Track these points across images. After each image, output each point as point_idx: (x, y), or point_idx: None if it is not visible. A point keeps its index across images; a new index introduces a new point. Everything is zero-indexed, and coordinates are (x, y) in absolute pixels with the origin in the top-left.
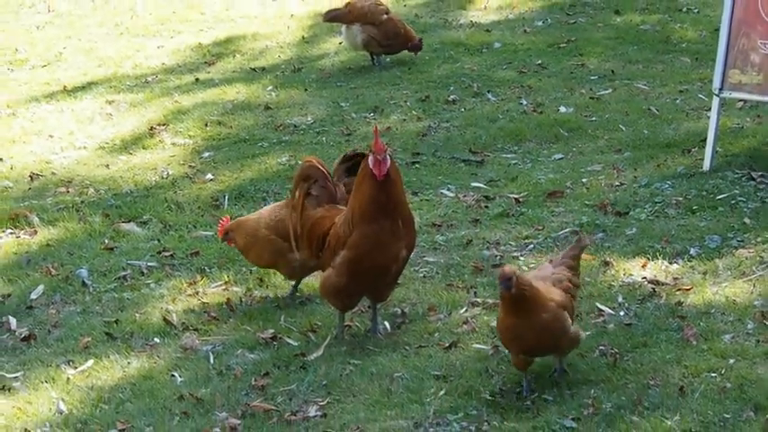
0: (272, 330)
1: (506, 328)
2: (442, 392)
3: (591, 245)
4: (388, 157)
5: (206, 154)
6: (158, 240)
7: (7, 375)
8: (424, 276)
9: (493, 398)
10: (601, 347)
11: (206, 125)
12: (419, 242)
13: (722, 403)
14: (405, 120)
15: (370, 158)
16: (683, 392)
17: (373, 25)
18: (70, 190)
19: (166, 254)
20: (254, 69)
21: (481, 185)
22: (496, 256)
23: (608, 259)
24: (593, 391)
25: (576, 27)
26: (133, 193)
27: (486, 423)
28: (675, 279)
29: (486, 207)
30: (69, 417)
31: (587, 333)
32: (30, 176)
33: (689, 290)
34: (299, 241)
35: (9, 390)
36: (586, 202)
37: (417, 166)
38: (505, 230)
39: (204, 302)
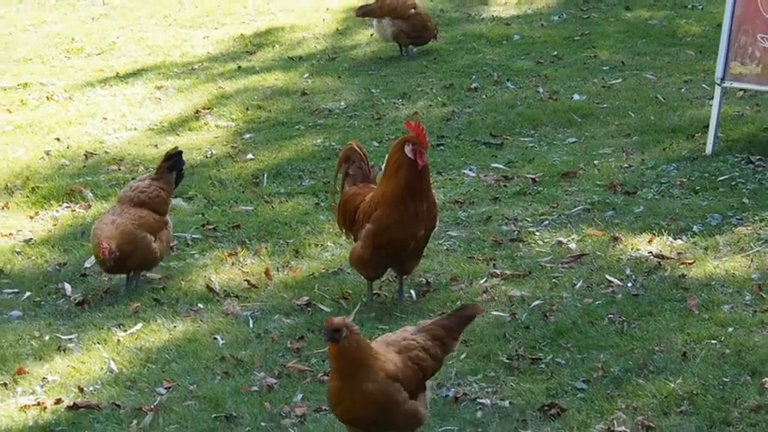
0: (306, 297)
1: (330, 390)
2: (463, 356)
3: (482, 314)
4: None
5: (247, 135)
6: (202, 214)
7: (62, 337)
8: (447, 249)
9: (510, 361)
10: (610, 316)
11: (247, 109)
12: (443, 218)
13: (721, 368)
14: (431, 105)
15: (409, 148)
16: (686, 358)
17: (402, 19)
18: (122, 168)
19: (210, 227)
20: (291, 58)
21: (500, 166)
22: (514, 231)
23: (617, 235)
24: (602, 355)
25: (590, 21)
26: None
27: (503, 384)
28: (679, 254)
29: (505, 186)
30: (119, 375)
31: (597, 302)
32: (84, 155)
33: (692, 264)
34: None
35: (64, 350)
36: (597, 183)
37: (442, 148)
38: (523, 208)
39: (244, 271)
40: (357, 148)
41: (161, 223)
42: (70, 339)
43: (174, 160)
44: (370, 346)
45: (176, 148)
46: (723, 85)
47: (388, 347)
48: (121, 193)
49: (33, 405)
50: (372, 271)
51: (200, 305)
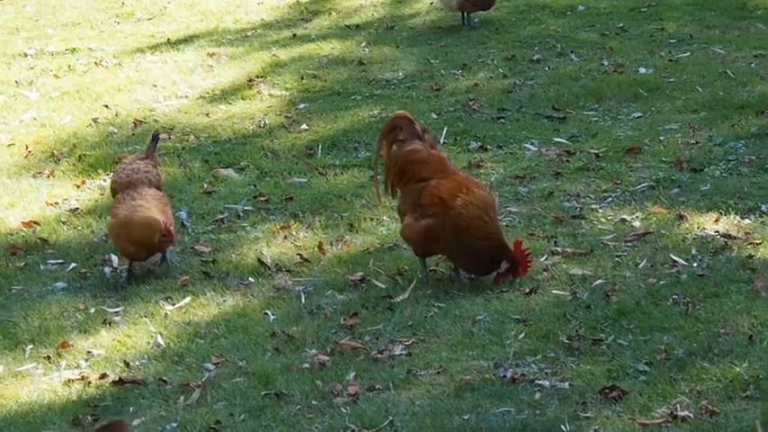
0: (360, 273)
1: None
2: (521, 335)
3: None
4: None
5: (301, 105)
6: (254, 186)
7: (108, 310)
8: (507, 225)
9: (570, 341)
10: (674, 296)
11: (302, 78)
12: (503, 193)
13: None
14: (491, 77)
15: (506, 265)
16: (752, 341)
17: None
18: (172, 136)
19: (262, 198)
20: (348, 26)
21: (563, 140)
22: (576, 207)
23: (683, 213)
24: (665, 337)
25: None
26: (231, 141)
27: (563, 365)
28: (747, 233)
29: (568, 161)
30: (166, 350)
31: (661, 282)
32: (133, 123)
33: (759, 244)
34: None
35: (110, 324)
36: (663, 159)
37: (503, 120)
38: (585, 184)
39: (297, 245)
40: (406, 115)
41: None
42: (116, 312)
43: (156, 141)
44: None
45: (157, 129)
46: None
47: None
48: (124, 178)
49: (77, 379)
50: (422, 248)
51: (250, 279)
